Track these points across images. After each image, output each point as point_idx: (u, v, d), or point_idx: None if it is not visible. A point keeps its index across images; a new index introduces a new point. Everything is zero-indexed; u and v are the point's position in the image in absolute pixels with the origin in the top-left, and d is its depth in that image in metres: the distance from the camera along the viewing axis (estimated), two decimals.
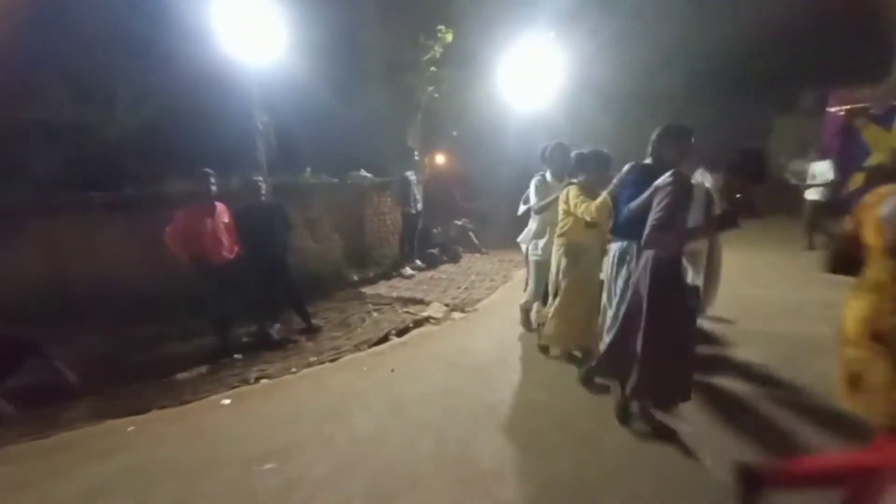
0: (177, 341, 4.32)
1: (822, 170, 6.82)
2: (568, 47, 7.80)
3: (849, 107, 8.63)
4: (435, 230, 7.59)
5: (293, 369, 3.63)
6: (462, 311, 4.84)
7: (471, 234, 7.93)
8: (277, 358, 3.93)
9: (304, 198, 5.95)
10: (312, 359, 3.85)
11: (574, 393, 2.95)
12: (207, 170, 3.92)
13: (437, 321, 4.54)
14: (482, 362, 3.55)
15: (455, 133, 8.55)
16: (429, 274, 6.55)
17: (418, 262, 6.80)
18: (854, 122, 8.50)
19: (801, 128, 11.60)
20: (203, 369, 3.73)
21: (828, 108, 8.90)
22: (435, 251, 7.12)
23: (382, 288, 5.91)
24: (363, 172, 6.81)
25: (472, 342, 3.98)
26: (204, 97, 5.24)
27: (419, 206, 6.66)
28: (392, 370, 3.49)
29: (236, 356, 3.99)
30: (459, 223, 8.05)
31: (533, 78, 7.92)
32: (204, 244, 3.85)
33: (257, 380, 3.47)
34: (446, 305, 4.93)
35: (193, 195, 4.05)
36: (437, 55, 7.19)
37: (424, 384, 3.23)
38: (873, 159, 6.88)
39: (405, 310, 4.86)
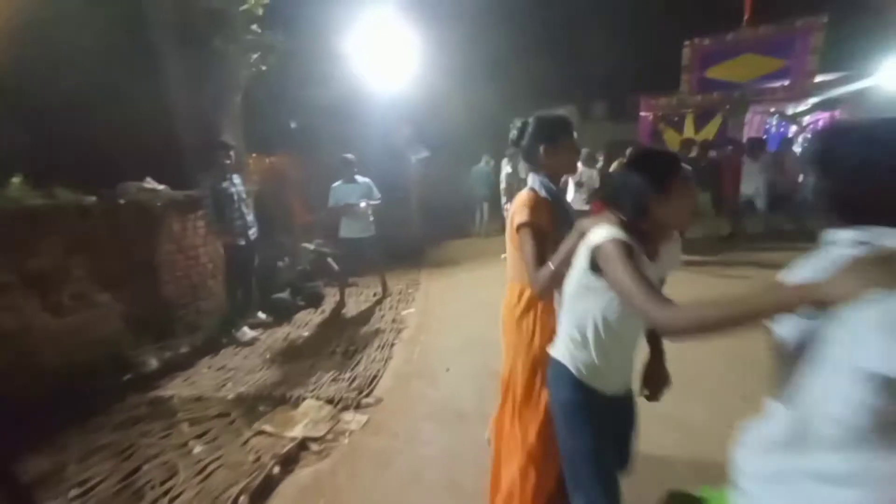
0: None
1: (590, 176, 6.57)
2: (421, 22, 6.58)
3: (653, 112, 10.27)
4: (280, 263, 5.38)
5: None
6: (356, 406, 3.03)
7: (329, 260, 5.94)
8: None
9: (14, 235, 3.17)
10: None
11: None
12: None
13: (322, 446, 2.64)
14: None
15: (294, 125, 6.34)
16: (281, 332, 4.42)
17: (261, 316, 4.57)
18: (657, 125, 10.25)
19: (596, 134, 13.03)
20: None
21: (641, 113, 10.40)
22: (285, 295, 4.94)
23: (206, 375, 3.59)
24: (150, 183, 4.21)
25: (400, 498, 2.25)
26: None
27: (252, 231, 4.43)
28: None
29: None
30: (312, 247, 5.95)
31: (387, 53, 6.41)
32: None
33: None
34: (328, 402, 3.04)
35: None
36: (259, 10, 4.96)
37: None
38: None
39: (255, 427, 2.81)
